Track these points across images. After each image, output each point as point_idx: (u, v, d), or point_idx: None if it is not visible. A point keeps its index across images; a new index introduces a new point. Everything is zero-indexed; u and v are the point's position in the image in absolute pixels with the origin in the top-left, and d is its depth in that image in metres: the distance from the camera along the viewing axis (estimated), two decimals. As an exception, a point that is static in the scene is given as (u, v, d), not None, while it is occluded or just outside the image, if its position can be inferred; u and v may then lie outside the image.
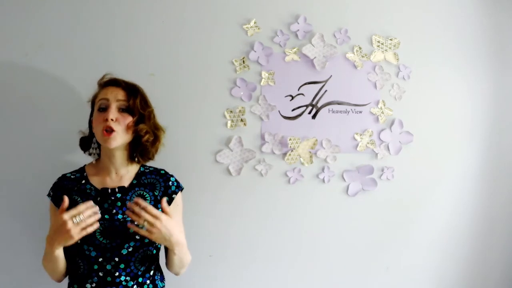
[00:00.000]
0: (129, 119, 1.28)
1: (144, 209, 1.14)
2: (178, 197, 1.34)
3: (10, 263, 1.57)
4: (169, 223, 1.18)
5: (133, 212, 1.15)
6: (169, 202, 1.31)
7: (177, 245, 1.22)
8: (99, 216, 1.15)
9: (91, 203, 1.14)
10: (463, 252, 1.75)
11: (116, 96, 1.27)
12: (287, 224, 1.67)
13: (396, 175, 1.71)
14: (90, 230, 1.13)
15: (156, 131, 1.35)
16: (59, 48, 1.59)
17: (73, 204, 1.27)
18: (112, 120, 1.24)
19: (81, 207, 1.13)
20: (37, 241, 1.58)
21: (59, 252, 1.19)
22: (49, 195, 1.32)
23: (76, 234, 1.11)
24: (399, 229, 1.72)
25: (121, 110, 1.28)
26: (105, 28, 1.60)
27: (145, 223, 1.14)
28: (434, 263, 1.74)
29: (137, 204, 1.15)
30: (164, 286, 1.37)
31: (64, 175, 1.35)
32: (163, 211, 1.19)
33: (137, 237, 1.23)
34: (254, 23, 1.65)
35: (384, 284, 1.72)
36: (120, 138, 1.26)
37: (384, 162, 1.71)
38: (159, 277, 1.33)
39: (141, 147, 1.31)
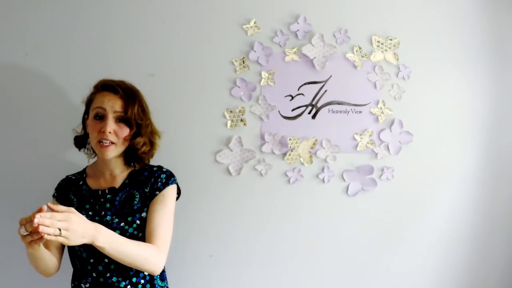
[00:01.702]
0: (126, 131, 1.26)
1: (52, 217, 0.96)
2: (166, 190, 1.28)
3: (10, 263, 1.57)
4: (78, 216, 1.02)
5: (47, 226, 0.96)
6: (154, 196, 1.28)
7: (98, 234, 1.05)
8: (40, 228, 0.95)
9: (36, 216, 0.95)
10: (463, 252, 1.75)
11: (114, 107, 1.25)
12: (287, 224, 1.67)
13: (396, 175, 1.70)
14: (34, 245, 1.00)
15: (152, 139, 1.35)
16: (58, 48, 1.59)
17: (69, 204, 1.30)
18: (110, 132, 1.23)
19: (24, 219, 0.98)
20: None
21: (33, 251, 1.08)
22: (54, 196, 1.35)
23: (27, 245, 1.01)
24: (399, 229, 1.72)
25: (118, 120, 1.26)
26: (105, 28, 1.60)
27: (61, 231, 0.98)
28: (434, 263, 1.74)
29: (45, 217, 0.96)
30: (164, 286, 1.35)
31: (67, 177, 1.38)
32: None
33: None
34: (254, 23, 1.65)
35: (384, 284, 1.72)
36: (116, 150, 1.27)
37: (384, 162, 1.70)
38: (158, 276, 1.32)
39: (137, 156, 1.32)
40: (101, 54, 1.60)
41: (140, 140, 1.29)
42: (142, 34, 1.61)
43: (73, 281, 1.30)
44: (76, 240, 1.01)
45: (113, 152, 1.26)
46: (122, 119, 1.26)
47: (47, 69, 1.58)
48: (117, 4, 1.61)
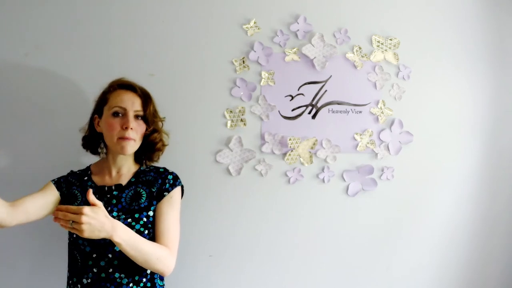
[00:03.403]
0: (144, 127, 1.33)
1: (65, 210, 1.05)
2: (173, 192, 1.33)
3: (13, 263, 1.58)
4: (96, 212, 1.07)
5: (61, 219, 1.05)
6: (162, 197, 1.31)
7: (115, 230, 1.11)
8: None
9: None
10: (463, 252, 1.75)
11: (133, 104, 1.31)
12: (287, 224, 1.67)
13: (396, 175, 1.70)
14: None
15: (162, 137, 1.42)
16: (58, 48, 1.59)
17: (72, 198, 1.32)
18: (131, 129, 1.28)
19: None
20: (39, 241, 1.58)
21: None
22: (53, 181, 1.35)
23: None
24: (399, 229, 1.72)
25: (136, 117, 1.32)
26: (105, 28, 1.60)
27: (70, 223, 1.05)
28: (434, 263, 1.74)
29: (59, 210, 1.06)
30: (163, 285, 1.37)
31: (72, 171, 1.41)
32: (91, 203, 1.10)
33: None
34: (254, 23, 1.65)
35: (384, 284, 1.72)
36: (136, 146, 1.32)
37: (384, 162, 1.70)
38: (158, 275, 1.33)
39: (151, 152, 1.38)
40: (101, 54, 1.60)
41: (157, 135, 1.37)
42: (142, 34, 1.61)
43: (70, 277, 1.30)
44: (92, 234, 1.07)
45: (133, 148, 1.32)
46: (140, 117, 1.33)
47: (47, 69, 1.58)
48: (117, 4, 1.61)
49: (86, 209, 1.05)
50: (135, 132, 1.30)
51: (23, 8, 1.58)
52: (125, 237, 1.13)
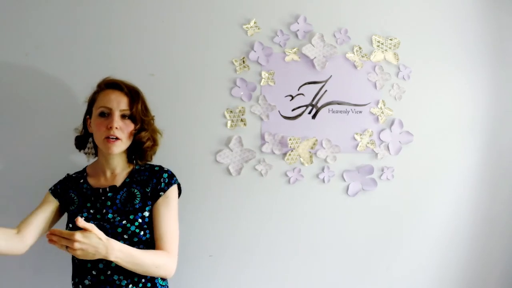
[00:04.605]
0: (131, 126, 1.31)
1: (59, 234, 1.06)
2: (169, 191, 1.31)
3: (11, 264, 1.57)
4: (88, 237, 1.07)
5: (55, 242, 1.07)
6: (157, 197, 1.30)
7: (110, 251, 1.11)
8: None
9: None
10: (463, 252, 1.75)
11: (119, 104, 1.29)
12: (287, 224, 1.67)
13: (396, 175, 1.70)
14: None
15: (154, 135, 1.39)
16: (58, 48, 1.59)
17: (69, 201, 1.33)
18: (116, 128, 1.27)
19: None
20: (42, 240, 1.58)
21: None
22: (50, 189, 1.36)
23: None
24: (399, 229, 1.72)
25: (123, 116, 1.30)
26: (105, 28, 1.61)
27: (65, 248, 1.08)
28: (434, 263, 1.74)
29: (53, 234, 1.07)
30: (165, 285, 1.36)
31: (68, 175, 1.40)
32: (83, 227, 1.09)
33: (125, 236, 1.23)
34: (254, 23, 1.65)
35: (384, 284, 1.72)
36: (123, 145, 1.30)
37: (384, 162, 1.70)
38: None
39: (141, 152, 1.36)
40: (101, 54, 1.60)
41: (145, 134, 1.33)
42: (142, 34, 1.61)
43: (73, 278, 1.30)
44: (87, 257, 1.10)
45: (120, 147, 1.29)
46: (127, 116, 1.31)
47: (47, 70, 1.58)
48: (117, 4, 1.61)
49: (77, 235, 1.06)
50: (121, 132, 1.28)
51: (23, 8, 1.59)
52: (122, 255, 1.14)
